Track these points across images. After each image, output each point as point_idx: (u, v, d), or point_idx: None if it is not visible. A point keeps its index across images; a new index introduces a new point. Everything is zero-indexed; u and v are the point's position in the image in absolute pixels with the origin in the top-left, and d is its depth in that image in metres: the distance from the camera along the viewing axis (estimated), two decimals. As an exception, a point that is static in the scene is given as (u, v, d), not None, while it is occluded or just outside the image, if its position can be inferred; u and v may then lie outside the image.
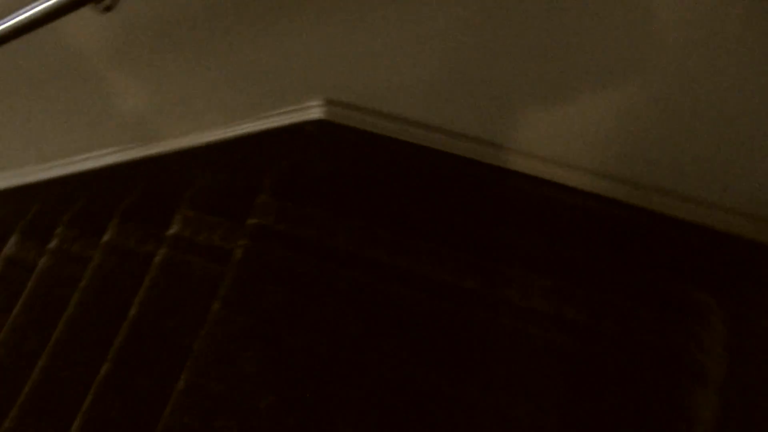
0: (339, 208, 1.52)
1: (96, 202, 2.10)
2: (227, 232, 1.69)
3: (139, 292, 1.70)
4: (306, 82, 1.33)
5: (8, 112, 1.73)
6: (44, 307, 2.00)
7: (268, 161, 1.65)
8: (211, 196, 1.79)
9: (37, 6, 1.16)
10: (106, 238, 1.93)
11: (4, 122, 1.79)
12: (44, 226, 2.22)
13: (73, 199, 2.12)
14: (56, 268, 2.07)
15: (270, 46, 1.21)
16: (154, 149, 1.72)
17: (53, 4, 1.15)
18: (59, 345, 1.80)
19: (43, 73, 1.52)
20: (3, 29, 1.23)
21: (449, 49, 1.08)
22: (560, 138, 1.29)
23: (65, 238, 2.09)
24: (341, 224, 1.51)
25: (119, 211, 1.95)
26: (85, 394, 1.60)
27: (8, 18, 1.21)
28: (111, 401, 1.56)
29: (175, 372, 1.48)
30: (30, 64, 1.49)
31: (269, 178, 1.63)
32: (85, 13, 1.14)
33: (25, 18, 1.19)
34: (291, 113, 1.43)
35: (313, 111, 1.38)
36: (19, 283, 2.15)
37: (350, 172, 1.53)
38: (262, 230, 1.54)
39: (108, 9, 1.17)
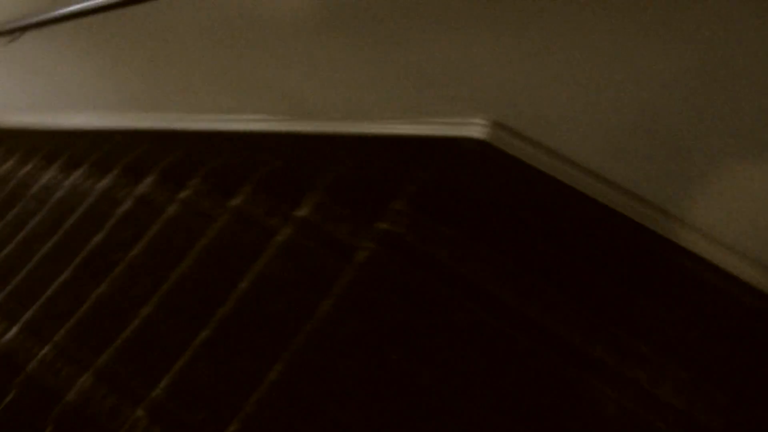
0: (476, 235, 1.44)
1: (235, 164, 2.11)
2: (355, 228, 1.65)
3: (254, 266, 1.69)
4: (476, 98, 1.26)
5: (176, 57, 1.76)
6: (161, 255, 2.04)
7: (413, 167, 1.59)
8: (346, 186, 1.75)
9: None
10: (235, 202, 1.93)
11: (171, 67, 1.83)
12: (181, 174, 2.27)
13: (214, 156, 2.15)
14: (182, 218, 2.10)
15: (452, 50, 1.14)
16: (303, 126, 1.70)
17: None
18: (166, 297, 1.82)
19: (222, 29, 1.52)
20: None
21: (653, 98, 0.97)
22: (739, 220, 1.16)
23: (198, 191, 2.12)
24: (474, 252, 1.42)
25: (255, 179, 1.95)
26: (178, 354, 1.60)
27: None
28: (202, 369, 1.55)
29: (271, 358, 1.45)
30: (214, 18, 1.50)
31: (410, 185, 1.57)
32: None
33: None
34: (451, 125, 1.36)
35: (475, 129, 1.31)
36: (144, 224, 2.21)
37: (497, 201, 1.44)
38: (391, 237, 1.48)
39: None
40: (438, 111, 1.37)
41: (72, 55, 2.14)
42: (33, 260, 2.46)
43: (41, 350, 1.95)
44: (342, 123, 1.58)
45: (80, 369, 1.83)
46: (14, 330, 2.14)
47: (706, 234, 1.22)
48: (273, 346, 1.52)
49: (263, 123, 1.77)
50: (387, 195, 1.60)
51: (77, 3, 1.65)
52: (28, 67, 2.54)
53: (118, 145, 2.54)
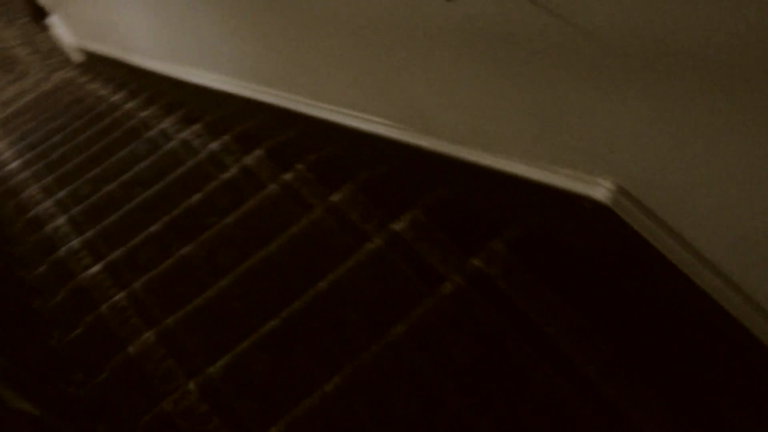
0: (571, 298, 1.36)
1: (344, 159, 2.10)
2: (447, 257, 1.60)
3: (337, 268, 1.66)
4: (608, 159, 1.18)
5: (316, 42, 1.75)
6: (251, 231, 2.05)
7: (522, 210, 1.52)
8: (448, 211, 1.70)
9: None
10: (335, 197, 1.92)
11: (309, 50, 1.82)
12: (289, 156, 2.28)
13: (325, 146, 2.14)
14: (280, 199, 2.10)
15: (596, 106, 1.07)
16: (420, 140, 1.66)
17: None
18: (245, 275, 1.82)
19: (370, 27, 1.50)
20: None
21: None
22: None
23: (301, 177, 2.12)
24: (565, 315, 1.35)
25: (359, 180, 1.93)
26: (242, 337, 1.60)
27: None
28: (261, 359, 1.54)
29: (331, 368, 1.42)
30: (366, 15, 1.48)
31: (514, 228, 1.51)
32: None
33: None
34: (573, 179, 1.29)
35: (599, 190, 1.23)
36: (242, 195, 2.23)
37: (602, 268, 1.36)
38: (482, 277, 1.42)
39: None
40: (563, 161, 1.30)
41: (216, 13, 2.18)
42: (129, 204, 2.52)
43: (116, 295, 1.99)
44: (459, 147, 1.53)
45: (147, 324, 1.86)
46: (97, 267, 2.20)
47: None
48: (336, 357, 1.49)
49: (382, 126, 1.74)
50: (488, 231, 1.54)
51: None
52: (171, 14, 2.61)
53: (238, 111, 2.58)
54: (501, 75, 1.23)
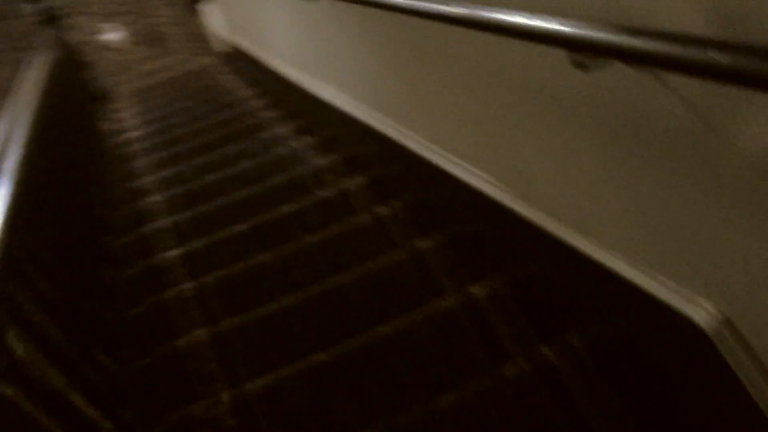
0: (644, 419, 1.24)
1: (440, 207, 2.03)
2: (519, 336, 1.50)
3: (403, 317, 1.59)
4: (717, 279, 1.07)
5: (443, 86, 1.71)
6: (330, 255, 2.01)
7: (609, 309, 1.41)
8: (532, 288, 1.61)
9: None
10: (422, 244, 1.86)
11: (435, 92, 1.78)
12: (388, 190, 2.24)
13: (426, 190, 2.08)
14: (367, 230, 2.06)
15: (717, 214, 0.97)
16: (515, 203, 1.57)
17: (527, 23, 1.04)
18: (310, 299, 1.78)
19: (500, 83, 1.45)
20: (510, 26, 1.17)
21: None
22: None
23: (394, 214, 2.07)
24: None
25: (450, 230, 1.87)
26: (289, 361, 1.55)
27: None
28: (302, 388, 1.48)
29: (368, 421, 1.35)
30: (500, 74, 1.43)
31: (596, 324, 1.40)
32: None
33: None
34: (673, 292, 1.17)
35: (699, 312, 1.11)
36: (333, 216, 2.20)
37: (688, 398, 1.23)
38: (549, 369, 1.32)
39: (582, 67, 1.02)
40: (666, 269, 1.19)
41: (356, 36, 2.18)
42: (225, 198, 2.55)
43: (184, 284, 2.00)
44: (559, 224, 1.44)
45: (203, 321, 1.85)
46: (176, 252, 2.22)
47: None
48: (376, 409, 1.42)
49: (485, 182, 1.67)
50: (568, 321, 1.44)
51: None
52: (313, 29, 2.65)
53: (352, 133, 2.57)
54: (620, 159, 1.14)
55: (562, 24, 0.98)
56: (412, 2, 1.49)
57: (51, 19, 4.34)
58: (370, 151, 2.44)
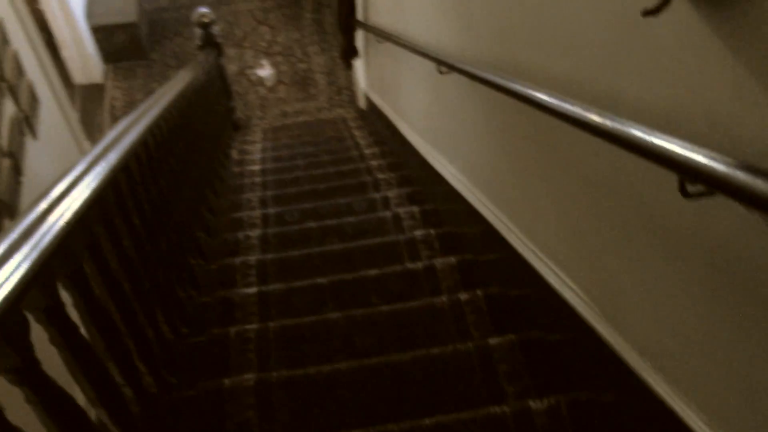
0: None
1: (522, 305, 1.93)
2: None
3: (452, 414, 1.51)
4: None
5: (544, 181, 1.65)
6: (399, 330, 1.95)
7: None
8: (594, 414, 1.48)
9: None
10: (493, 341, 1.77)
11: (537, 188, 1.72)
12: (475, 276, 2.17)
13: (511, 283, 1.99)
14: (443, 313, 1.99)
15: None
16: (599, 324, 1.47)
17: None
18: (367, 370, 1.72)
19: (592, 183, 1.37)
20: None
21: None
22: None
23: (474, 303, 2.00)
24: None
25: (526, 335, 1.77)
26: (327, 428, 1.49)
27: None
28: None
29: None
30: (591, 173, 1.36)
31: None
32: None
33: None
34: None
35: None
36: (413, 291, 2.15)
37: None
38: None
39: (693, 196, 0.94)
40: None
41: (477, 114, 2.15)
42: (317, 248, 2.56)
43: (251, 324, 1.99)
44: (641, 360, 1.32)
45: (256, 365, 1.83)
46: (254, 290, 2.23)
47: None
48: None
49: (571, 293, 1.58)
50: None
51: (502, 80, 1.62)
52: (440, 98, 2.64)
53: (456, 212, 2.53)
54: (722, 304, 1.04)
55: (680, 147, 0.90)
56: (527, 90, 1.45)
57: (211, 45, 4.60)
58: (468, 231, 2.39)
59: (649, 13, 1.00)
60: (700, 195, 0.92)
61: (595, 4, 1.25)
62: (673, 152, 0.91)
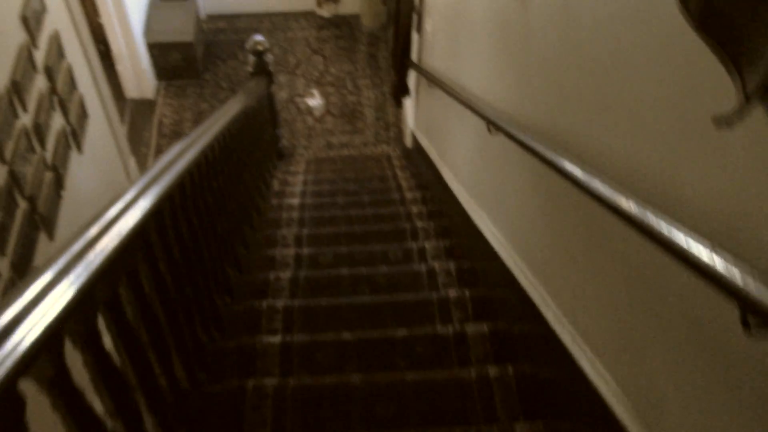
0: None
1: (553, 389, 1.84)
2: None
3: None
4: None
5: (585, 259, 1.57)
6: (420, 401, 1.87)
7: None
8: None
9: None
10: (518, 426, 1.68)
11: (578, 265, 1.64)
12: (507, 348, 2.08)
13: (544, 362, 1.90)
14: (468, 388, 1.91)
15: None
16: (629, 420, 1.37)
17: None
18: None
19: (634, 268, 1.29)
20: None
21: None
22: None
23: (503, 379, 1.91)
24: None
25: (554, 424, 1.68)
26: None
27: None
28: None
29: None
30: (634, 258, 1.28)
31: None
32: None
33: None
34: None
35: None
36: (441, 359, 2.07)
37: None
38: None
39: (750, 327, 0.85)
40: None
41: (520, 177, 2.08)
42: (346, 299, 2.49)
43: (270, 377, 1.93)
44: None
45: (270, 425, 1.75)
46: (277, 339, 2.17)
47: None
48: None
49: (607, 388, 1.48)
50: None
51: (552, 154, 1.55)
52: (486, 154, 2.58)
53: (493, 274, 2.44)
54: None
55: (742, 274, 0.82)
56: (577, 173, 1.37)
57: (263, 72, 4.61)
58: (504, 298, 2.30)
59: (720, 122, 0.93)
60: (759, 330, 0.83)
61: (662, 90, 1.18)
62: (733, 282, 0.83)
